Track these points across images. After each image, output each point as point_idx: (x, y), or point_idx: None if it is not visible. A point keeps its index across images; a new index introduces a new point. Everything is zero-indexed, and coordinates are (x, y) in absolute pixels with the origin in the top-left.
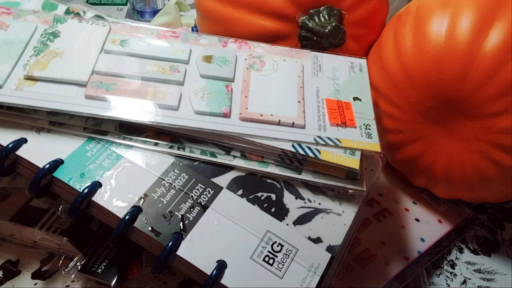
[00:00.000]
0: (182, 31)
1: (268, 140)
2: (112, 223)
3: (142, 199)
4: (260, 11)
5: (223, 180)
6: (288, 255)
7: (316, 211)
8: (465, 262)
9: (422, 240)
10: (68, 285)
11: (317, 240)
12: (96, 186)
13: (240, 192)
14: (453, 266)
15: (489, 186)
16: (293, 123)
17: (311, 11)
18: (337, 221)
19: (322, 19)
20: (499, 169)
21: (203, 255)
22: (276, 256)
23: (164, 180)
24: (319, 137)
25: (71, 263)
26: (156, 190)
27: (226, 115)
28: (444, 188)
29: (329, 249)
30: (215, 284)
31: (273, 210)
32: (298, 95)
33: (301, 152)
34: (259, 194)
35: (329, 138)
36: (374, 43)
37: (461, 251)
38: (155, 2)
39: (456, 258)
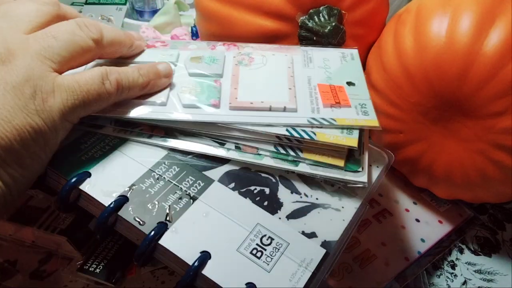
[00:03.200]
0: (170, 40)
1: (261, 126)
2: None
3: (130, 190)
4: (260, 11)
5: (215, 173)
6: (278, 249)
7: (312, 206)
8: (466, 263)
9: (423, 240)
10: (66, 285)
11: (311, 235)
12: (84, 175)
13: (232, 185)
14: (453, 266)
15: (490, 186)
16: (285, 107)
17: (310, 11)
18: (335, 216)
19: (322, 19)
20: (499, 170)
21: (187, 246)
22: (265, 249)
23: (154, 172)
24: (313, 118)
25: (70, 263)
26: (145, 181)
27: (216, 106)
28: (445, 188)
29: (324, 244)
30: (196, 275)
31: (265, 203)
32: (289, 83)
33: (296, 135)
34: (252, 188)
35: (323, 119)
36: (374, 43)
37: (461, 251)
38: (154, 2)
39: (457, 259)
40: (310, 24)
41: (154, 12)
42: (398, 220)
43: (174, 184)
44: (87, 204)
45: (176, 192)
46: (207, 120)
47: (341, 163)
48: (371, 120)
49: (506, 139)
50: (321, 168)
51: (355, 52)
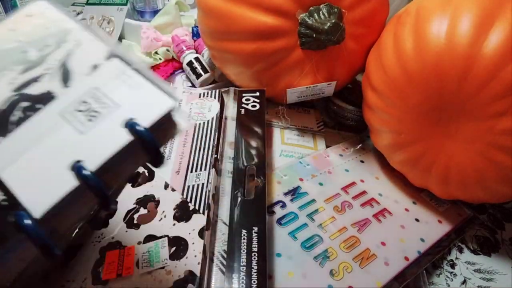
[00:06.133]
0: None
1: None
2: None
3: None
4: (260, 7)
5: None
6: (96, 97)
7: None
8: (465, 262)
9: (422, 240)
10: None
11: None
12: None
13: None
14: (453, 266)
15: (489, 187)
16: None
17: (311, 8)
18: None
19: (322, 16)
20: (499, 170)
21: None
22: (91, 107)
23: None
24: None
25: None
26: None
27: None
28: (444, 188)
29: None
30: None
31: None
32: None
33: None
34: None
35: None
36: (374, 44)
37: (461, 251)
38: (155, 2)
39: (456, 258)
40: (310, 21)
41: (155, 12)
42: (397, 220)
43: None
44: None
45: None
46: None
47: None
48: None
49: (506, 140)
50: None
51: None
